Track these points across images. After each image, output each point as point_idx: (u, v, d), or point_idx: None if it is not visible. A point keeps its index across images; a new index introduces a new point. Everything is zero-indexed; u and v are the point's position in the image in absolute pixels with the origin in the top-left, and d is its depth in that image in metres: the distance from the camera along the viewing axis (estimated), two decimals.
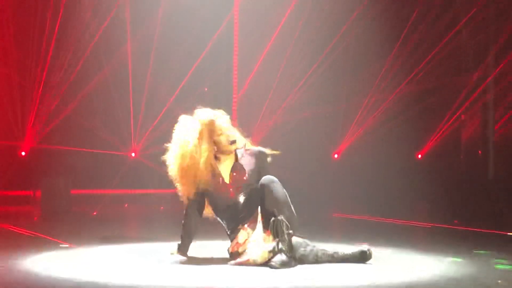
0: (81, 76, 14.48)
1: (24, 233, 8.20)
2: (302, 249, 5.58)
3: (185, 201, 5.94)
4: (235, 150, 5.98)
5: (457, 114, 15.19)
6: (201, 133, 5.90)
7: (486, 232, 8.50)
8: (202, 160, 5.83)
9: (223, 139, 5.91)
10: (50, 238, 7.43)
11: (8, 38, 14.21)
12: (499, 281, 4.89)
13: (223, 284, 4.88)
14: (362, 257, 5.65)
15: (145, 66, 14.85)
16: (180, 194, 5.96)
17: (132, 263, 5.85)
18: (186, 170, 5.84)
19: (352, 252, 5.67)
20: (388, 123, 15.24)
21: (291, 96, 15.16)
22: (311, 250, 5.61)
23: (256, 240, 5.61)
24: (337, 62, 15.10)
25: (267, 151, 6.06)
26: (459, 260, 5.91)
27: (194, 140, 5.87)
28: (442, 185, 14.34)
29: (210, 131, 5.91)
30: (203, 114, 5.99)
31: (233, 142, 5.94)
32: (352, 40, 14.95)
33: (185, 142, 5.87)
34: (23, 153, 14.22)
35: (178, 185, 5.93)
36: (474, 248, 6.69)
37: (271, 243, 5.50)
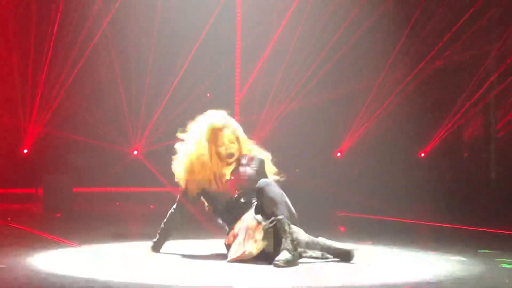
0: (84, 72, 14.47)
1: (27, 231, 8.19)
2: (296, 235, 5.58)
3: (181, 193, 6.07)
4: (237, 158, 6.06)
5: (460, 113, 15.17)
6: (206, 136, 6.00)
7: (490, 231, 8.48)
8: (206, 160, 5.96)
9: (222, 151, 6.00)
10: (54, 238, 7.41)
11: (10, 31, 14.18)
12: (507, 281, 4.87)
13: (223, 283, 4.87)
14: (345, 255, 5.61)
15: (146, 63, 14.82)
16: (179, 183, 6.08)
17: (134, 261, 5.84)
18: (191, 169, 5.98)
19: (339, 248, 5.64)
20: (390, 122, 15.22)
21: (294, 94, 15.14)
22: (304, 238, 5.62)
23: (248, 231, 5.63)
24: (339, 61, 15.07)
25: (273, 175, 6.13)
26: (463, 259, 5.89)
27: (199, 141, 6.00)
28: (444, 184, 14.34)
29: (213, 138, 6.00)
30: (214, 118, 6.08)
31: (231, 155, 6.02)
32: (356, 39, 14.93)
33: (193, 142, 6.01)
34: (25, 151, 14.20)
35: (181, 179, 6.05)
36: (478, 247, 6.67)
37: (262, 233, 5.53)
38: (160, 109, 14.80)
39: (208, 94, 15.06)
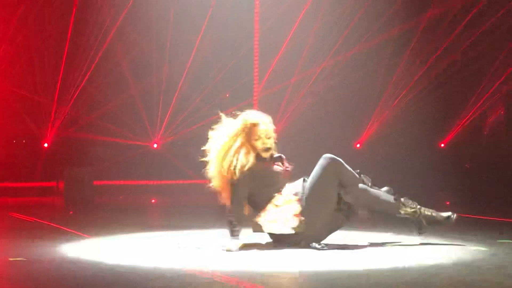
0: (104, 65, 14.51)
1: (47, 224, 8.26)
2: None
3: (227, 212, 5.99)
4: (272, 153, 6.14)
5: (480, 102, 15.09)
6: (238, 132, 6.03)
7: (510, 221, 8.44)
8: (233, 154, 5.95)
9: (258, 144, 6.03)
10: (73, 231, 7.47)
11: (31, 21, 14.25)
12: None
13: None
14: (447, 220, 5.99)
15: (164, 55, 14.83)
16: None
17: (156, 250, 5.88)
18: (222, 164, 5.96)
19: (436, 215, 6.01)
20: (410, 113, 15.17)
21: (313, 82, 15.11)
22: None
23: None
24: (357, 52, 15.03)
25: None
26: (484, 249, 5.87)
27: (230, 136, 6.01)
28: (465, 174, 14.29)
29: (248, 133, 6.03)
30: (249, 115, 6.12)
31: (268, 149, 6.07)
32: (376, 31, 14.88)
33: (221, 137, 6.02)
34: (46, 145, 14.29)
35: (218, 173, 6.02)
36: (498, 237, 6.64)
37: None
38: (173, 101, 14.78)
39: (228, 95, 14.99)
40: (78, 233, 7.08)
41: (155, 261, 5.36)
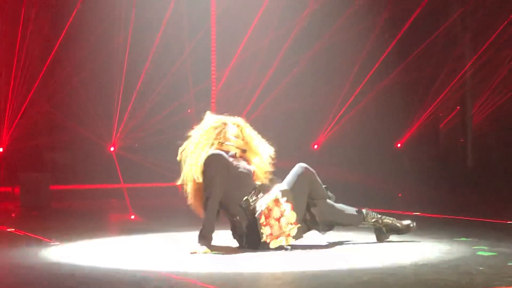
0: (59, 65, 14.35)
1: (5, 229, 8.15)
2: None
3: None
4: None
5: (435, 102, 15.26)
6: (204, 134, 6.06)
7: (466, 219, 8.55)
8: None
9: (228, 147, 6.07)
10: (33, 235, 7.38)
11: None
12: (481, 268, 4.91)
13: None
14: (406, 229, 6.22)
15: (121, 55, 14.72)
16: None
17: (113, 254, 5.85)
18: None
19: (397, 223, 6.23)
20: (367, 113, 15.28)
21: (269, 81, 15.14)
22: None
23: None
24: (315, 55, 15.10)
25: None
26: (440, 246, 5.94)
27: (197, 139, 6.04)
28: (421, 173, 14.43)
29: (219, 132, 6.08)
30: (213, 118, 6.20)
31: (243, 151, 6.15)
32: (332, 34, 14.96)
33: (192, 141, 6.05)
34: (0, 149, 14.11)
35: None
36: (454, 235, 6.72)
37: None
38: (131, 103, 14.68)
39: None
40: (36, 236, 7.01)
41: (114, 264, 5.33)
